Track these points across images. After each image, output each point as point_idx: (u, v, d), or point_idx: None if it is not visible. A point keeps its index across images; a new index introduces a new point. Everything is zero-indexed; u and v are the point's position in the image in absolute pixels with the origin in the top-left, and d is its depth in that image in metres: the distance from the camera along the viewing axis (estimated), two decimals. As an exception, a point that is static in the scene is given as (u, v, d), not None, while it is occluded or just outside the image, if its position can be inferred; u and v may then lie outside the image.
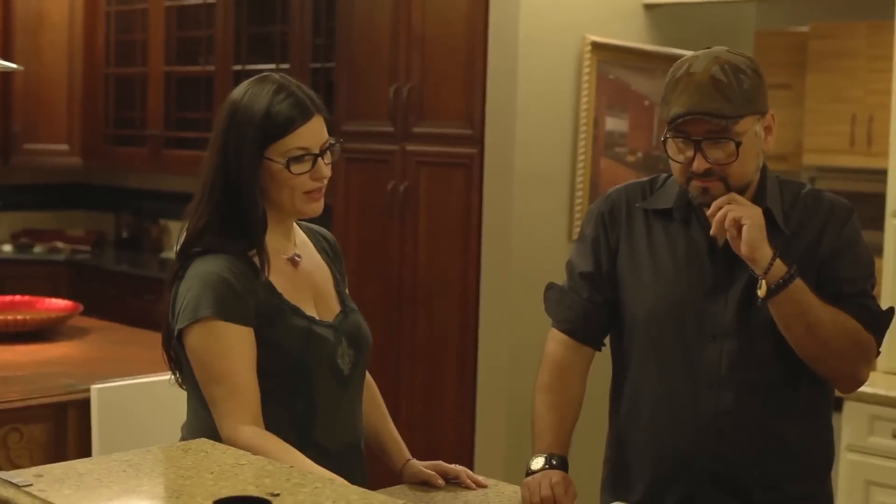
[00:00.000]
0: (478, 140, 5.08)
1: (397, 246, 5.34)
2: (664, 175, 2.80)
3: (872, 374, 4.33)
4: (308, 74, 6.21)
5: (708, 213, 2.57)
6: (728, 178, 2.56)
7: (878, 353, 2.69)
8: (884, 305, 4.27)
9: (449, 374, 5.18)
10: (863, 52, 6.73)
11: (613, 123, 5.30)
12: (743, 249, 2.51)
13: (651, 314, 2.69)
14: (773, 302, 2.52)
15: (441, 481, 2.77)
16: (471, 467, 4.95)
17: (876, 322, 2.64)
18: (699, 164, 2.54)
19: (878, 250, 4.41)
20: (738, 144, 2.53)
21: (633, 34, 5.41)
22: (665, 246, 2.70)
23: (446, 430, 5.18)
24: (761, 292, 2.51)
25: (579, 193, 5.14)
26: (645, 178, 2.84)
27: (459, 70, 5.14)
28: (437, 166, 5.22)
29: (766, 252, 2.51)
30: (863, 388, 4.14)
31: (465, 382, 5.11)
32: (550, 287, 2.87)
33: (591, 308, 2.78)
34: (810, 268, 2.60)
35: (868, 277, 2.67)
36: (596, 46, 5.17)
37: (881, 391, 4.19)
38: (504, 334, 4.99)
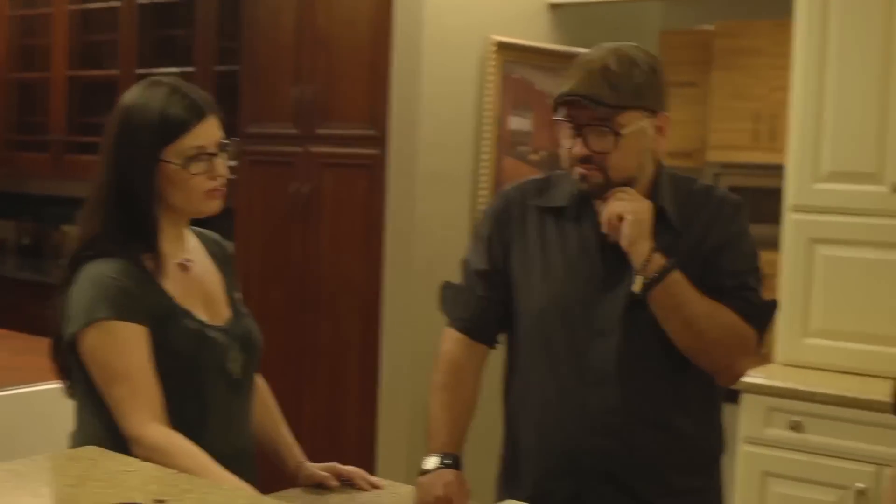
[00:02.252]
0: (381, 141, 5.06)
1: (300, 249, 5.32)
2: (559, 172, 2.81)
3: (769, 367, 4.41)
4: (213, 77, 6.16)
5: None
6: (607, 168, 2.59)
7: (761, 345, 2.71)
8: (781, 298, 4.37)
9: (352, 377, 5.16)
10: (766, 50, 6.78)
11: (517, 123, 5.32)
12: (622, 241, 2.54)
13: (541, 311, 2.70)
14: (650, 295, 2.54)
15: (335, 483, 2.77)
16: (373, 469, 4.98)
17: (756, 315, 2.67)
18: (578, 150, 2.58)
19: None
20: (616, 135, 2.55)
21: (537, 34, 5.43)
22: (557, 243, 2.71)
23: (349, 432, 5.17)
24: (636, 287, 2.54)
25: (483, 193, 5.14)
26: (540, 176, 2.86)
27: (363, 71, 5.12)
28: (340, 168, 5.20)
29: (644, 246, 2.54)
30: (760, 381, 4.23)
31: (368, 385, 5.09)
32: (446, 286, 2.88)
33: (485, 306, 2.79)
34: (696, 262, 2.63)
35: (752, 272, 2.71)
36: (501, 46, 5.18)
37: (778, 383, 4.23)
38: (407, 336, 4.99)
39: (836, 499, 4.07)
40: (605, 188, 2.61)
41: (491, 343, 2.84)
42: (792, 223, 4.44)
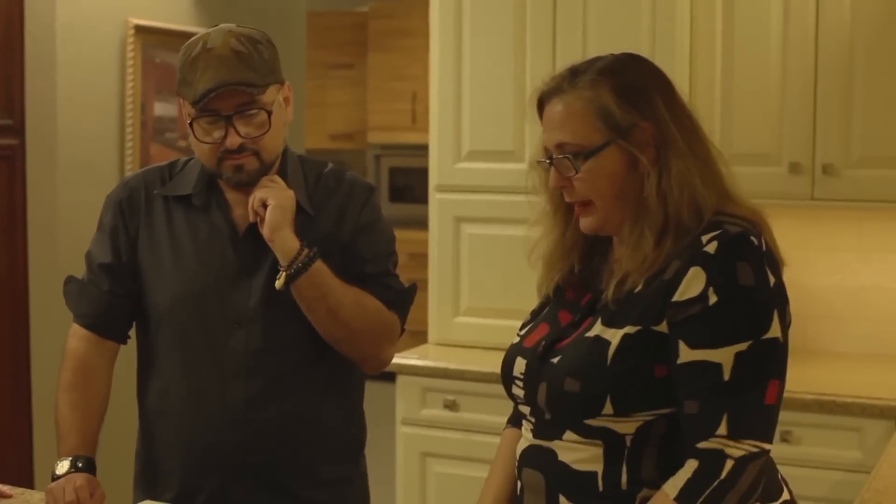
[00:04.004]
0: (19, 131, 4.84)
1: (-62, 247, 5.04)
2: (184, 159, 2.74)
3: (424, 347, 4.45)
4: None
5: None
6: (261, 151, 2.53)
7: (403, 330, 2.71)
8: (431, 279, 4.42)
9: (3, 379, 4.93)
10: (421, 31, 6.88)
11: (162, 108, 5.19)
12: (265, 230, 2.49)
13: (174, 304, 2.62)
14: (294, 286, 2.50)
15: (-41, 497, 2.62)
16: (31, 476, 4.77)
17: (399, 300, 2.68)
18: (233, 140, 2.50)
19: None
20: (269, 114, 2.51)
21: (179, 17, 5.31)
22: (186, 233, 2.63)
23: (3, 438, 4.93)
24: (279, 283, 2.50)
25: (129, 182, 5.00)
26: (165, 163, 2.77)
27: (-4, 57, 4.89)
28: (-23, 160, 4.96)
29: (285, 235, 2.49)
30: (413, 361, 4.26)
31: (21, 386, 4.88)
32: (69, 280, 2.76)
33: (111, 301, 2.68)
34: (334, 249, 2.60)
35: (390, 255, 2.71)
36: (140, 30, 5.04)
37: (431, 363, 4.28)
38: (57, 333, 4.74)
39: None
40: (263, 172, 2.56)
41: (121, 339, 2.73)
42: (437, 203, 4.49)
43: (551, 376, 2.08)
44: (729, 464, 1.93)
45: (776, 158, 4.05)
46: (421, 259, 5.31)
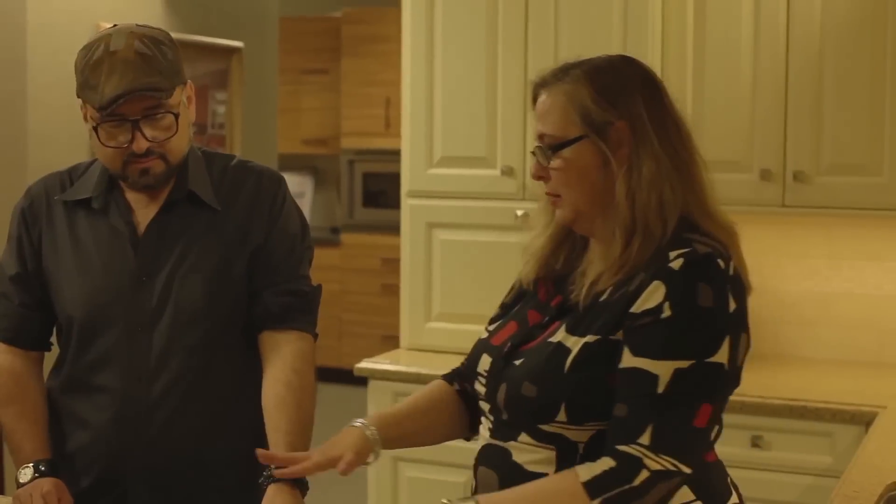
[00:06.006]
0: (-11, 135, 4.84)
1: None
2: (86, 162, 2.70)
3: (396, 352, 4.46)
4: None
5: None
6: (167, 154, 2.51)
7: (316, 335, 2.68)
8: (404, 284, 4.42)
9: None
10: (395, 37, 6.85)
11: (134, 113, 5.16)
12: None
13: (78, 308, 2.60)
14: None
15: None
16: (2, 483, 4.73)
17: (308, 306, 2.66)
18: (139, 145, 2.46)
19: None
20: (176, 116, 2.49)
21: (150, 21, 5.22)
22: (88, 237, 2.61)
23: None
24: None
25: (100, 186, 4.98)
26: (66, 168, 2.73)
27: (-33, 61, 4.87)
28: (-55, 164, 4.93)
29: None
30: (385, 366, 4.26)
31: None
32: None
33: (24, 314, 2.67)
34: (244, 250, 2.59)
35: (305, 255, 2.69)
36: (111, 34, 5.02)
37: (403, 368, 4.27)
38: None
39: (466, 479, 4.13)
40: (169, 175, 2.55)
41: (42, 348, 2.72)
42: (408, 208, 4.48)
43: (511, 378, 2.12)
44: (644, 474, 1.96)
45: (747, 165, 4.06)
46: (393, 264, 5.30)
